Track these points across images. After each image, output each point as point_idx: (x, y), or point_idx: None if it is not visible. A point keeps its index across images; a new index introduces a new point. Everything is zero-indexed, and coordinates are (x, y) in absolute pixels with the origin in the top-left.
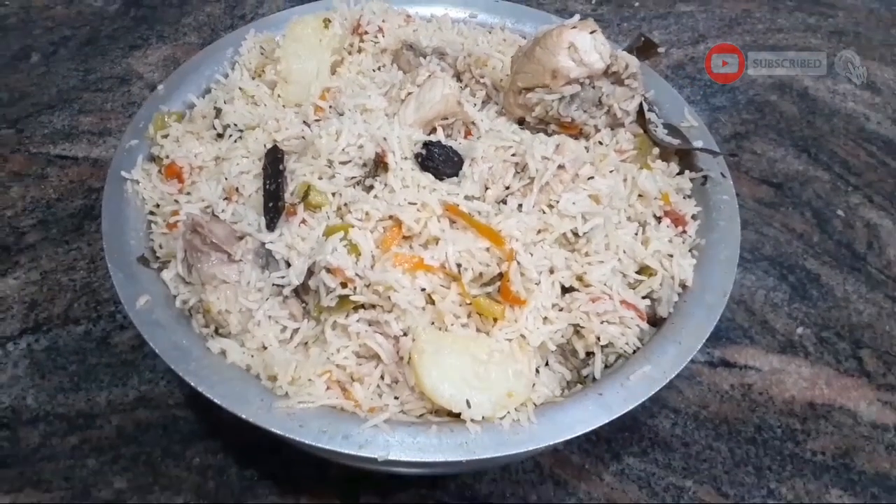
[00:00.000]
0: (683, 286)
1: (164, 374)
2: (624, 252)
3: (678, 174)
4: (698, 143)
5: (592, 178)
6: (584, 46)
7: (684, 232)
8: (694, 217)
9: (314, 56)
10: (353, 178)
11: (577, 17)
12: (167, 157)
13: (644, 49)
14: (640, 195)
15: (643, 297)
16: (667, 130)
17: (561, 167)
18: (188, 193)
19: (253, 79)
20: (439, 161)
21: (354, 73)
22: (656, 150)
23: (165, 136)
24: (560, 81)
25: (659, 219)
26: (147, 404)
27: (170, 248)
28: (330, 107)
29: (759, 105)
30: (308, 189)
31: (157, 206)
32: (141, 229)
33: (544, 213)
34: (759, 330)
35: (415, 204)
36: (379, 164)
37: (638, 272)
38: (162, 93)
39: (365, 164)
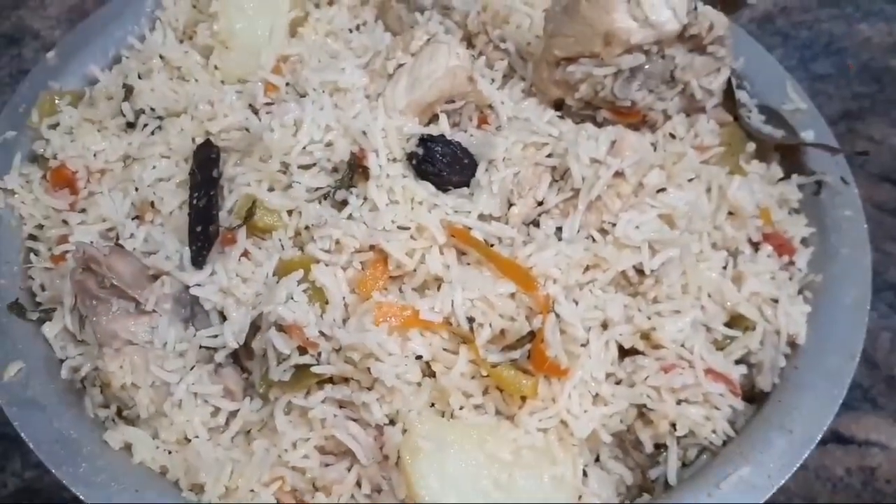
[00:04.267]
0: (793, 344)
1: None
2: (709, 296)
3: (781, 179)
4: (808, 135)
5: (664, 189)
6: None
7: (791, 263)
8: (805, 242)
9: (266, 11)
10: (317, 188)
11: None
12: (55, 156)
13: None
14: (730, 212)
15: (736, 362)
16: (764, 116)
17: (618, 174)
18: (82, 211)
19: (181, 42)
20: (442, 164)
21: (322, 35)
22: (751, 146)
23: (54, 127)
24: (616, 49)
25: (756, 245)
26: (33, 496)
27: (55, 291)
28: (287, 84)
29: (875, 73)
30: (253, 205)
31: (40, 226)
32: (16, 261)
33: (594, 241)
34: (883, 390)
35: (407, 228)
36: (356, 169)
37: (728, 323)
38: (53, 62)
39: (336, 169)
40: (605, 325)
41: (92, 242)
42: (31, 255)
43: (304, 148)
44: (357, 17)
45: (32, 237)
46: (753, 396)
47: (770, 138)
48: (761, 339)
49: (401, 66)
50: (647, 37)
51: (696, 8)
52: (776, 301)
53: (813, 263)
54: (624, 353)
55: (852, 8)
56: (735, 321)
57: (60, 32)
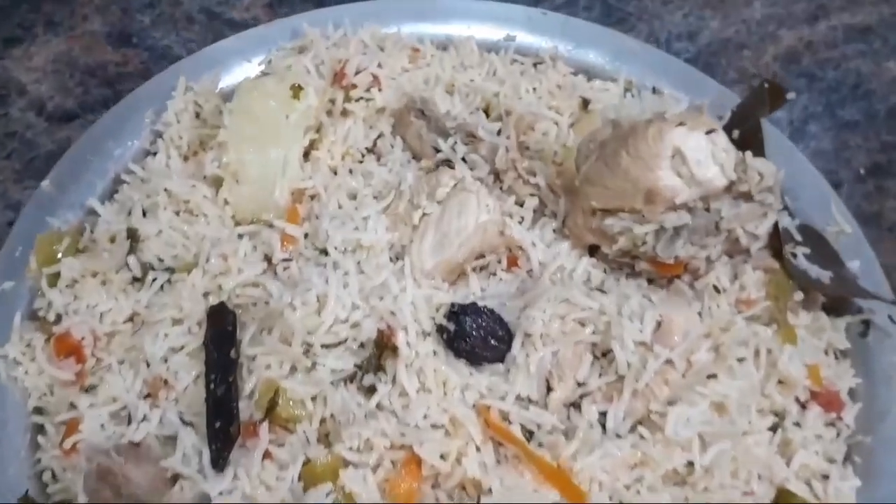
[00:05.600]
0: None
1: None
2: (759, 477)
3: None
4: (854, 265)
5: (714, 376)
6: (698, 155)
7: (839, 418)
8: (852, 393)
9: (278, 140)
10: (342, 370)
11: (683, 103)
12: (58, 318)
13: (770, 100)
14: (780, 381)
15: None
16: (809, 249)
17: (668, 362)
18: (91, 388)
19: (185, 160)
20: (476, 339)
21: (338, 158)
22: (799, 295)
23: (55, 281)
24: (659, 207)
25: (804, 404)
26: None
27: (66, 483)
28: (305, 235)
29: None
30: (276, 394)
31: (45, 397)
32: (23, 444)
33: (642, 437)
34: None
35: (440, 427)
36: (384, 348)
37: (775, 499)
38: (49, 191)
39: (363, 345)
40: None
41: (106, 450)
42: (39, 437)
43: (329, 328)
44: (373, 128)
45: (38, 410)
46: None
47: (818, 284)
48: None
49: (425, 215)
50: (693, 195)
51: (744, 160)
52: (827, 478)
53: (861, 420)
54: None
55: (880, 42)
56: (782, 494)
57: (47, 86)
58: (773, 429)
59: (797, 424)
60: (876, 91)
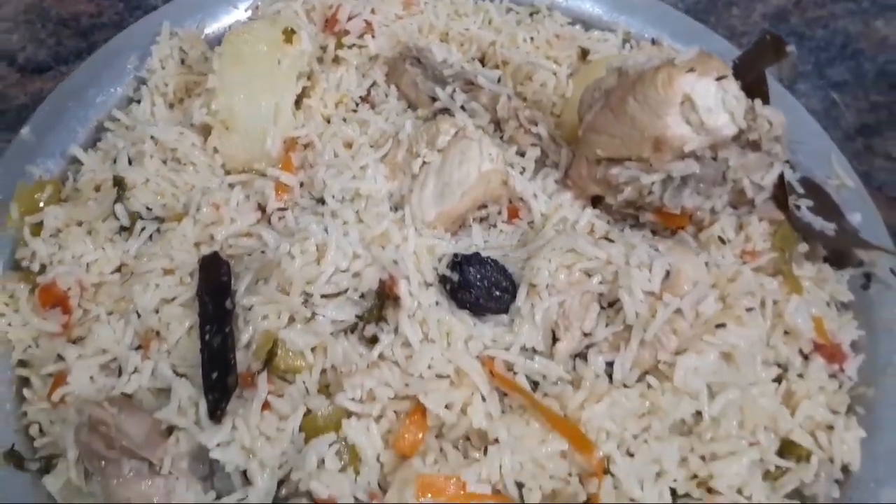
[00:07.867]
0: (846, 469)
1: None
2: (764, 428)
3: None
4: (855, 218)
5: (723, 325)
6: (708, 102)
7: (841, 370)
8: (854, 345)
9: (270, 87)
10: (343, 321)
11: (695, 48)
12: (42, 268)
13: (772, 52)
14: (785, 332)
15: (788, 495)
16: (812, 201)
17: (677, 311)
18: (78, 340)
19: (171, 107)
20: (480, 290)
21: (332, 107)
22: (804, 247)
23: (38, 231)
24: (666, 156)
25: (807, 356)
26: None
27: (55, 437)
28: (301, 184)
29: (893, 79)
30: (274, 345)
31: (31, 349)
32: (8, 397)
33: (650, 387)
34: None
35: (444, 377)
36: (385, 298)
37: (780, 449)
38: (29, 138)
39: (363, 295)
40: (659, 473)
41: (98, 402)
42: (24, 390)
43: (328, 279)
44: (366, 77)
45: (23, 363)
46: None
47: (822, 236)
48: (816, 471)
49: (426, 163)
50: (702, 143)
51: (753, 108)
52: (832, 428)
53: (863, 372)
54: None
55: (868, 1)
56: (787, 447)
57: (18, 37)
58: (778, 380)
59: (800, 376)
60: (865, 51)
